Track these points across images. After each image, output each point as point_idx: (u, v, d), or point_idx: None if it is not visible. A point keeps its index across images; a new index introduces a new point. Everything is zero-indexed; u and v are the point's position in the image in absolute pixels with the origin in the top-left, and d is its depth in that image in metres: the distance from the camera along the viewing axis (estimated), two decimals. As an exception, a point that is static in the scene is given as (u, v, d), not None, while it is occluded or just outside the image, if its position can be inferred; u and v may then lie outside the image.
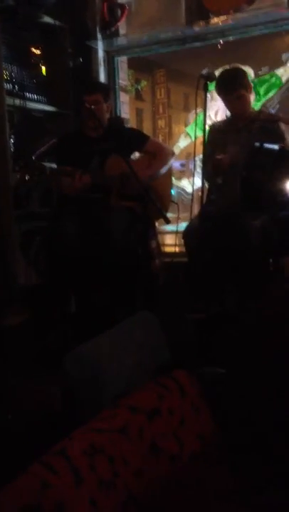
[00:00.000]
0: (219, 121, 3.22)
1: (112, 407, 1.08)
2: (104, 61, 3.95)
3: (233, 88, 2.90)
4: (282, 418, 1.14)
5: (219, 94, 3.02)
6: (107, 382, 1.48)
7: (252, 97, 3.06)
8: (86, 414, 1.16)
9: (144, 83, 5.80)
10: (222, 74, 3.00)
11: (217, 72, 3.87)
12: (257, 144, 2.74)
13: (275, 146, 2.69)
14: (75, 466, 0.88)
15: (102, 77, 3.93)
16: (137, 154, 3.23)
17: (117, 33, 3.85)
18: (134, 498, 0.96)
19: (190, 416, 1.19)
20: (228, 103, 3.02)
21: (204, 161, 2.96)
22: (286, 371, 1.10)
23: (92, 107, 2.79)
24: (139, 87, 5.68)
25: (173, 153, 3.23)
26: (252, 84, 3.01)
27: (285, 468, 1.12)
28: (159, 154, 3.05)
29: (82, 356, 1.60)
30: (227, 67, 3.80)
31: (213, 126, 3.17)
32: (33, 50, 3.58)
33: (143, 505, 0.97)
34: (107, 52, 3.96)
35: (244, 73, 3.08)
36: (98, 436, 0.98)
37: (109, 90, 3.32)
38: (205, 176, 2.98)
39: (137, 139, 3.10)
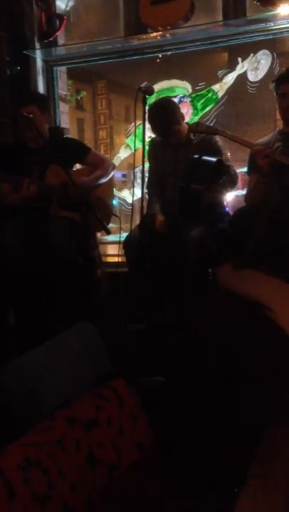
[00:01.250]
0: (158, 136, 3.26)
1: (48, 420, 1.06)
2: (42, 70, 3.93)
3: (168, 132, 2.94)
4: (221, 424, 1.16)
5: (156, 134, 3.06)
6: (44, 395, 1.46)
7: (187, 113, 3.14)
8: (23, 428, 1.13)
9: (84, 93, 5.81)
10: (153, 116, 2.89)
11: (157, 86, 3.97)
12: (195, 156, 2.81)
13: (213, 159, 2.78)
14: (8, 480, 0.87)
15: (41, 87, 3.91)
16: (78, 166, 3.23)
17: (55, 43, 3.85)
18: (70, 510, 0.95)
19: (128, 425, 1.19)
20: (166, 139, 3.07)
21: (148, 175, 3.02)
22: (223, 379, 1.13)
23: (30, 116, 2.77)
24: (79, 98, 5.68)
25: (114, 166, 3.26)
26: (182, 113, 3.06)
27: (222, 474, 1.15)
28: (99, 166, 3.07)
29: (18, 369, 1.57)
30: (166, 81, 3.88)
31: (153, 141, 3.22)
32: None
33: (80, 517, 0.96)
34: (45, 61, 3.94)
35: (173, 107, 3.03)
36: (33, 449, 0.96)
37: (46, 101, 3.30)
38: (149, 187, 3.02)
39: (78, 150, 3.10)
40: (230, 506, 0.84)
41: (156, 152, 3.14)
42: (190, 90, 4.31)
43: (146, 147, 3.17)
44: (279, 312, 1.10)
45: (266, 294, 1.13)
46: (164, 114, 2.92)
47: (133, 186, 3.17)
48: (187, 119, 3.89)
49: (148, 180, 3.12)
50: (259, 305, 1.12)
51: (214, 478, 1.11)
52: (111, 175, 3.16)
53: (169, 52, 3.84)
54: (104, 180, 3.07)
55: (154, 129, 2.99)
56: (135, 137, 2.96)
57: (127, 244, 2.97)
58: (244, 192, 3.31)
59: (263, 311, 1.11)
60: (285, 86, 2.74)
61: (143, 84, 2.70)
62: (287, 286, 1.16)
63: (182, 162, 2.96)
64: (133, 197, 3.03)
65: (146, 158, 3.06)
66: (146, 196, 3.13)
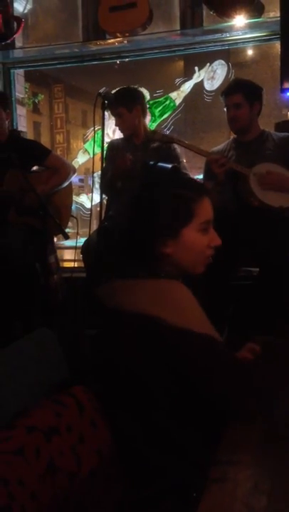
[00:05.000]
0: (117, 139, 3.28)
1: (7, 428, 1.05)
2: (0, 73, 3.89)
3: (113, 106, 2.91)
4: (181, 428, 1.17)
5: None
6: (2, 403, 1.43)
7: (147, 118, 3.16)
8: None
9: (41, 97, 5.75)
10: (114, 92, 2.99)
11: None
12: (151, 162, 2.83)
13: (168, 165, 2.80)
14: None
15: (-2, 89, 3.86)
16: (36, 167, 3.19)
17: (13, 46, 3.80)
18: (31, 520, 0.94)
19: (88, 432, 1.19)
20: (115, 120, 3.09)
21: (102, 177, 3.00)
22: (183, 382, 1.14)
23: None
24: (36, 101, 5.62)
25: (74, 170, 3.22)
26: (145, 106, 3.09)
27: (181, 478, 1.16)
28: (59, 169, 3.03)
29: (-25, 377, 1.53)
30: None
31: (111, 144, 3.23)
32: None
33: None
34: (3, 64, 3.89)
35: (133, 93, 3.11)
36: (-7, 459, 0.95)
37: (7, 99, 3.25)
38: (102, 188, 3.02)
39: (38, 152, 3.05)
40: (189, 511, 0.85)
41: (113, 154, 3.13)
42: (148, 97, 4.35)
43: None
44: None
45: None
46: (121, 91, 2.96)
47: (92, 191, 3.17)
48: (145, 125, 3.92)
49: (104, 184, 3.10)
50: None
51: (173, 482, 1.13)
52: (71, 179, 3.14)
53: (127, 59, 3.87)
54: (64, 184, 3.04)
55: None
56: (94, 142, 2.95)
57: (85, 250, 2.95)
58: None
59: None
60: (227, 99, 2.82)
61: (102, 90, 2.70)
62: None
63: (140, 165, 2.97)
64: (92, 202, 3.03)
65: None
66: (105, 201, 3.12)
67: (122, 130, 3.09)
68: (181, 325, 1.13)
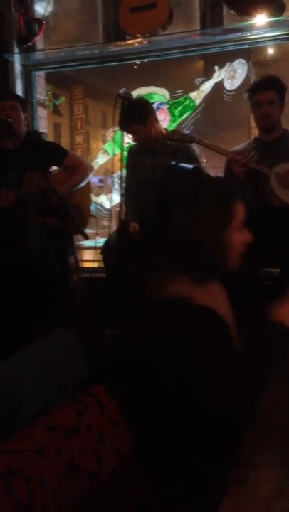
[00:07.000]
0: (136, 144, 3.26)
1: (28, 427, 1.05)
2: (21, 75, 3.92)
3: (126, 126, 2.89)
4: (201, 429, 1.17)
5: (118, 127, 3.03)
6: (23, 401, 1.45)
7: (167, 118, 3.15)
8: (2, 435, 1.12)
9: (62, 99, 5.79)
10: (122, 108, 2.85)
11: (134, 93, 3.97)
12: (173, 163, 2.83)
13: (190, 166, 2.80)
14: (-10, 490, 0.86)
15: (20, 91, 3.90)
16: (54, 168, 3.22)
17: (34, 48, 3.84)
18: (51, 518, 0.95)
19: (108, 432, 1.19)
20: (140, 145, 3.09)
21: (125, 185, 3.01)
22: (202, 383, 1.14)
23: (9, 120, 2.74)
24: (57, 103, 5.66)
25: (92, 169, 3.23)
26: (154, 111, 3.07)
27: (198, 480, 1.15)
28: (78, 169, 3.05)
29: (-3, 376, 1.55)
30: (144, 87, 3.90)
31: (130, 149, 3.22)
32: None
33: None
34: (24, 66, 3.93)
35: (142, 107, 3.04)
36: (14, 457, 0.95)
37: (26, 102, 3.28)
38: (125, 198, 3.02)
39: (56, 152, 3.07)
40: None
41: (133, 161, 3.13)
42: (168, 97, 4.34)
43: (125, 153, 3.18)
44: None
45: None
46: (130, 108, 2.86)
47: (111, 192, 3.17)
48: (164, 125, 3.92)
49: (125, 190, 3.11)
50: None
51: (194, 483, 1.12)
52: (89, 178, 3.15)
53: (147, 59, 3.86)
54: (83, 184, 3.06)
55: (118, 123, 2.87)
56: (114, 143, 2.96)
57: (105, 250, 2.96)
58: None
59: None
60: (259, 95, 2.77)
61: (122, 91, 2.70)
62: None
63: (160, 168, 2.97)
64: (111, 202, 3.03)
65: (124, 165, 3.07)
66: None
67: (141, 143, 3.08)
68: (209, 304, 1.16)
